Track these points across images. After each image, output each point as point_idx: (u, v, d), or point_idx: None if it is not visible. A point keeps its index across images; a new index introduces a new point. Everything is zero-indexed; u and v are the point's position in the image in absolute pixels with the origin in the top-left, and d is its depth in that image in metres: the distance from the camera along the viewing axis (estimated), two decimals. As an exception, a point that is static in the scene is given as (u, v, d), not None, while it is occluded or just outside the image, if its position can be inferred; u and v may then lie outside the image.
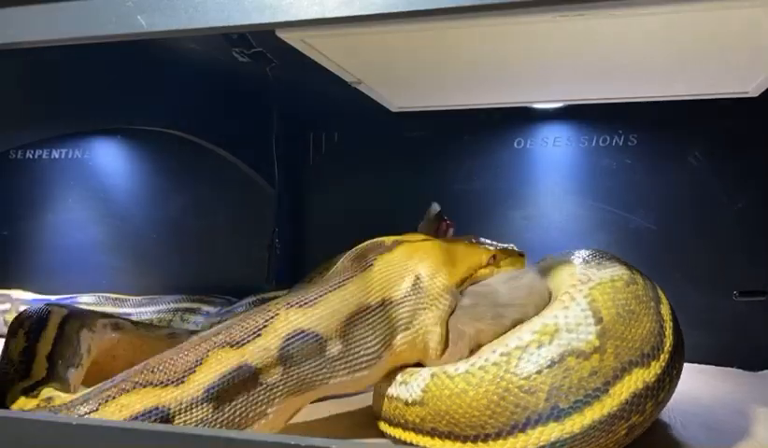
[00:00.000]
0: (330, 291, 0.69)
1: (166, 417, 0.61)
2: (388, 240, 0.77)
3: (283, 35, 0.72)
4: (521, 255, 0.81)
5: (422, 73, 0.94)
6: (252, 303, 1.18)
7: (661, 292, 0.71)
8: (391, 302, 0.71)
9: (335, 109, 1.36)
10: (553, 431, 0.59)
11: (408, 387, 0.70)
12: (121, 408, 0.60)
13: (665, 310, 0.69)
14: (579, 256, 0.75)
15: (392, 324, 0.71)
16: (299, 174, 1.40)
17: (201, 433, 0.51)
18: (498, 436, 0.61)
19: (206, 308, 1.32)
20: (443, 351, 0.72)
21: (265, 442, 0.48)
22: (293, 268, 1.38)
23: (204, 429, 0.59)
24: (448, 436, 0.64)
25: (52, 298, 1.39)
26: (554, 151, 1.26)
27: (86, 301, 1.38)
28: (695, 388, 0.97)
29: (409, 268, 0.73)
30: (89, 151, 1.52)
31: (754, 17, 0.66)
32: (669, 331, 0.67)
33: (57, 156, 1.53)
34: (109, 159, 1.51)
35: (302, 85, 1.23)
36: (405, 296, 0.72)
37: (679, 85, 0.99)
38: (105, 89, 1.01)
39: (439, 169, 1.31)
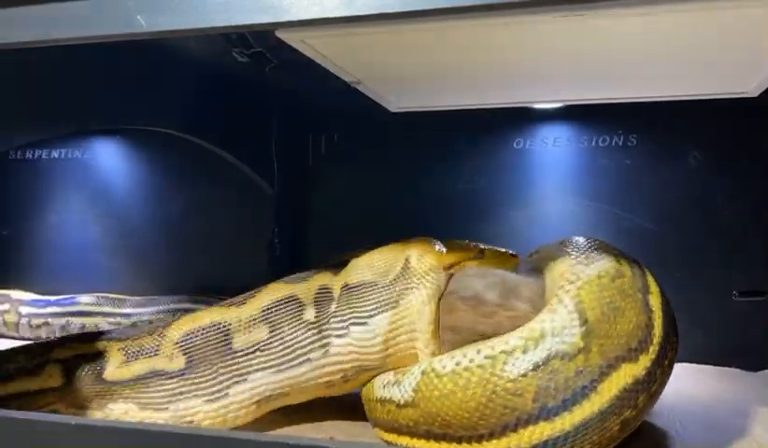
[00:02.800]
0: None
1: (227, 330, 0.78)
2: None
3: (283, 35, 0.72)
4: (513, 256, 0.84)
5: (422, 73, 0.94)
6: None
7: (651, 281, 0.70)
8: (381, 284, 0.77)
9: (335, 109, 1.36)
10: (544, 430, 0.60)
11: (401, 388, 0.70)
12: (193, 319, 0.80)
13: (654, 300, 0.68)
14: (570, 248, 0.75)
15: (380, 304, 0.76)
16: (298, 174, 1.40)
17: (201, 433, 0.51)
18: (491, 436, 0.62)
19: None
20: (435, 330, 0.73)
21: (265, 442, 0.48)
22: (293, 268, 1.37)
23: (204, 429, 0.59)
24: (443, 437, 0.65)
25: (52, 298, 1.39)
26: (554, 151, 1.26)
27: (85, 301, 1.37)
28: (694, 388, 0.97)
29: (401, 254, 0.79)
30: (89, 151, 1.52)
31: (754, 17, 0.66)
32: (658, 323, 0.67)
33: (57, 156, 1.53)
34: (109, 159, 1.51)
35: (301, 85, 1.23)
36: (396, 278, 0.77)
37: (679, 85, 0.99)
38: (105, 89, 1.01)
39: (439, 169, 1.31)
